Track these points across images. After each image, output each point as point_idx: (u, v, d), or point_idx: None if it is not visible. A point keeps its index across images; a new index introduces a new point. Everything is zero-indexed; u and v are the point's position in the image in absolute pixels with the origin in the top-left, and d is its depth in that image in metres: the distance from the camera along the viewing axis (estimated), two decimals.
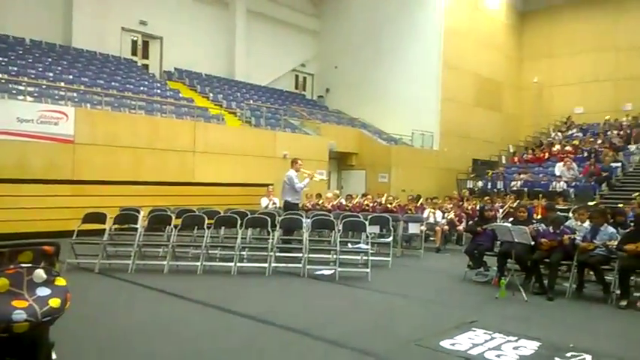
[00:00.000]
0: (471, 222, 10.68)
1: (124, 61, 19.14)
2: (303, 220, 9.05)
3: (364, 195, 15.09)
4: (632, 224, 7.58)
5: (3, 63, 14.35)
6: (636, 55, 23.26)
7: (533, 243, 7.08)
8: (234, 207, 10.78)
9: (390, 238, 9.73)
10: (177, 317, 5.59)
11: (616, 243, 6.74)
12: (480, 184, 19.54)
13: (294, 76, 26.66)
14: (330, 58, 26.03)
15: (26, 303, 2.36)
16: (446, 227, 11.98)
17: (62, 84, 14.29)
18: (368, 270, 7.87)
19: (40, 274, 2.49)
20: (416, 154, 21.40)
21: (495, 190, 18.31)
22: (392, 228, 9.91)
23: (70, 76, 15.27)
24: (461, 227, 12.28)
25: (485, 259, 8.22)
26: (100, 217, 8.54)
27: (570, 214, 8.72)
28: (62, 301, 2.51)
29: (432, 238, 11.84)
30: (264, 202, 13.00)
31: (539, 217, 10.44)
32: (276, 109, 19.84)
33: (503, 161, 22.44)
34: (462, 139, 23.23)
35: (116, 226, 8.85)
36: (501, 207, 13.29)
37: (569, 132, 23.35)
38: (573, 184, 16.94)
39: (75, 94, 13.90)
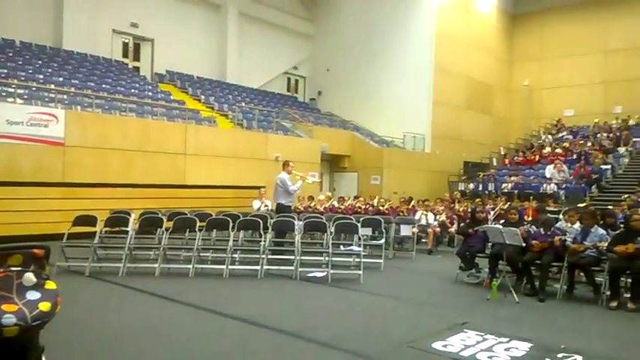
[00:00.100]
0: (462, 224, 10.72)
1: (115, 63, 19.04)
2: (296, 222, 9.04)
3: (356, 197, 15.12)
4: (621, 226, 7.65)
5: None
6: (626, 58, 23.50)
7: (524, 245, 7.13)
8: (226, 209, 10.76)
9: (382, 240, 9.75)
10: (169, 320, 5.56)
11: (606, 244, 6.79)
12: (471, 186, 19.64)
13: (286, 78, 26.66)
14: (322, 61, 26.07)
15: (16, 307, 2.33)
16: (438, 229, 12.01)
17: (52, 86, 14.18)
18: (360, 272, 7.87)
19: (29, 277, 2.47)
20: (408, 157, 21.47)
21: (486, 192, 18.40)
22: (384, 230, 9.94)
23: (61, 79, 15.16)
24: (452, 229, 12.32)
25: (477, 261, 8.25)
26: (90, 220, 8.46)
27: (561, 216, 8.79)
28: (52, 305, 2.49)
29: (424, 240, 11.87)
30: (256, 204, 12.96)
31: (529, 218, 10.51)
32: (268, 112, 19.82)
33: (495, 163, 22.57)
34: (453, 141, 23.34)
35: (107, 228, 8.78)
36: (492, 209, 13.36)
37: (560, 134, 23.52)
38: (564, 186, 17.06)
39: (65, 97, 13.80)
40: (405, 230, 10.92)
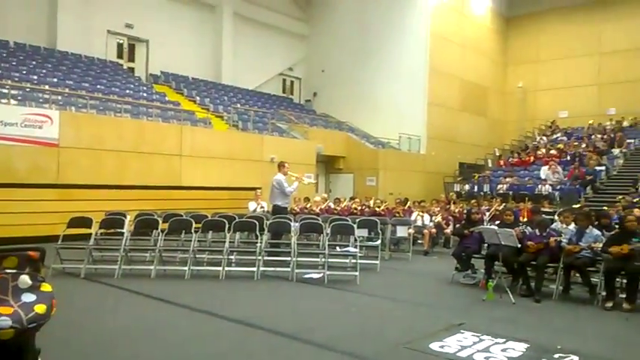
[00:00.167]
0: (458, 225, 10.75)
1: (110, 64, 18.98)
2: (292, 223, 9.04)
3: (352, 198, 15.13)
4: (616, 227, 7.68)
5: None
6: (620, 60, 23.65)
7: (519, 245, 7.15)
8: (222, 211, 10.72)
9: (379, 242, 9.77)
10: (165, 322, 5.53)
11: (601, 245, 6.82)
12: (466, 187, 19.70)
13: (282, 79, 26.66)
14: (317, 62, 26.09)
15: (11, 309, 2.32)
16: (433, 230, 12.03)
17: (47, 87, 14.12)
18: (356, 273, 7.87)
19: (25, 280, 2.45)
20: (403, 158, 21.50)
21: (482, 193, 18.47)
22: (380, 231, 9.95)
23: (55, 79, 15.10)
24: (448, 230, 12.35)
25: (473, 262, 8.27)
26: (85, 222, 8.42)
27: (556, 217, 8.81)
28: (48, 307, 2.48)
29: (419, 241, 11.88)
30: (252, 205, 12.95)
31: (525, 219, 10.54)
32: (263, 113, 19.80)
33: (490, 165, 22.66)
34: (448, 142, 23.41)
35: (102, 230, 8.74)
36: (488, 210, 13.39)
37: (554, 136, 23.63)
38: (558, 187, 17.13)
39: (59, 98, 13.74)
40: (401, 231, 10.93)
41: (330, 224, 8.99)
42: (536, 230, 7.47)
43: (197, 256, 8.49)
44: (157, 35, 20.56)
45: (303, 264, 8.43)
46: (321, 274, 7.94)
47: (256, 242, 8.39)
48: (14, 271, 2.48)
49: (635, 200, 14.20)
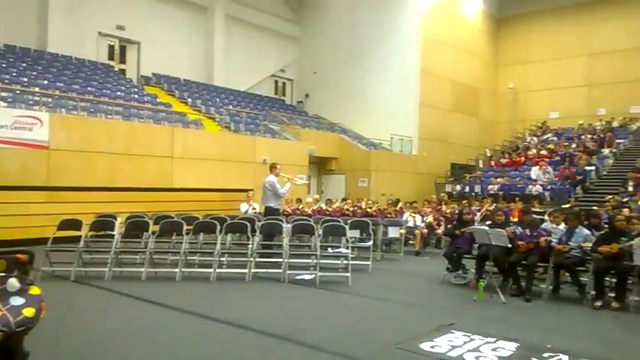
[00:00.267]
0: (449, 225, 10.79)
1: (101, 66, 18.89)
2: (284, 225, 9.03)
3: (344, 199, 15.14)
4: (606, 226, 7.75)
5: None
6: (609, 61, 23.88)
7: (510, 245, 7.19)
8: (214, 212, 10.70)
9: (370, 242, 9.79)
10: (155, 324, 5.52)
11: (591, 245, 6.88)
12: (458, 187, 19.79)
13: (274, 81, 26.65)
14: (309, 64, 26.11)
15: None
16: (425, 231, 12.08)
17: (37, 89, 14.02)
18: (348, 274, 7.88)
19: (13, 283, 2.44)
20: (395, 159, 21.55)
21: (473, 193, 18.56)
22: (372, 232, 9.98)
23: (45, 81, 15.01)
24: (440, 231, 12.40)
25: (464, 262, 8.31)
26: (75, 224, 8.38)
27: (546, 217, 8.88)
28: (37, 311, 2.47)
29: (411, 242, 11.92)
30: (243, 207, 12.93)
31: (515, 219, 10.60)
32: (255, 115, 19.78)
33: (481, 165, 22.76)
34: (440, 143, 23.51)
35: (92, 232, 8.69)
36: (479, 210, 13.45)
37: (545, 136, 23.80)
38: (549, 187, 17.25)
39: (50, 100, 13.65)
40: (393, 232, 10.95)
41: (322, 225, 9.00)
42: (527, 230, 7.52)
43: (188, 258, 8.46)
44: (149, 37, 20.49)
45: (295, 265, 8.44)
46: (313, 276, 7.94)
47: (248, 244, 8.37)
48: (2, 274, 2.47)
49: (624, 200, 14.33)
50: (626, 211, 10.27)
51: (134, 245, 9.12)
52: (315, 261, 8.03)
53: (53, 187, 11.97)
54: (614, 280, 6.77)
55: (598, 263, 6.66)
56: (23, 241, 9.72)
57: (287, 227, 8.94)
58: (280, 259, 8.16)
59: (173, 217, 9.33)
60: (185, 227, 8.53)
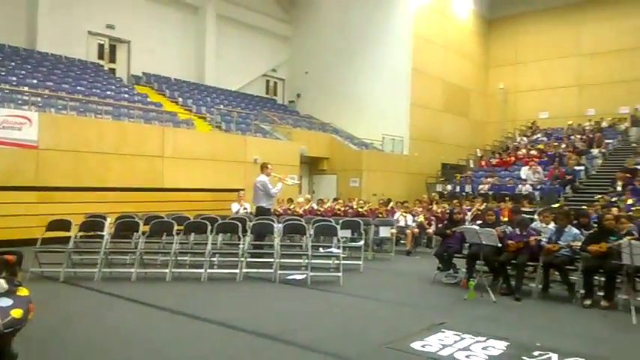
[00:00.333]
0: (440, 225, 10.83)
1: (91, 65, 18.75)
2: (275, 225, 9.02)
3: (336, 199, 15.15)
4: (595, 225, 7.82)
5: None
6: (598, 62, 24.10)
7: (500, 245, 7.24)
8: (205, 213, 10.66)
9: (362, 242, 9.80)
10: (146, 325, 5.49)
11: (580, 244, 6.93)
12: (449, 187, 19.87)
13: (265, 81, 26.62)
14: (300, 64, 26.10)
15: None
16: (416, 230, 12.11)
17: (26, 88, 13.89)
18: (340, 274, 7.88)
19: (1, 284, 2.42)
20: (386, 159, 21.60)
21: (464, 193, 18.64)
22: (363, 232, 9.98)
23: (34, 81, 14.87)
24: (430, 230, 12.44)
25: (455, 262, 8.35)
26: (65, 225, 8.31)
27: (536, 216, 8.95)
28: (25, 312, 2.45)
29: (402, 242, 11.94)
30: (234, 207, 12.89)
31: (505, 219, 10.66)
32: (246, 114, 19.74)
33: (472, 165, 22.86)
34: (431, 143, 23.59)
35: (82, 233, 8.62)
36: (469, 210, 13.51)
37: (534, 136, 23.96)
38: (538, 187, 17.37)
39: (39, 99, 13.54)
40: (384, 232, 10.98)
41: (313, 225, 9.01)
42: (517, 229, 7.57)
43: (179, 258, 8.43)
44: (139, 36, 20.38)
45: (286, 265, 8.44)
46: (305, 275, 7.94)
47: (239, 244, 8.34)
48: None
49: (613, 199, 14.46)
50: (614, 210, 10.38)
51: (124, 246, 9.06)
52: (306, 261, 8.03)
53: (42, 187, 11.88)
54: (602, 278, 6.84)
55: (587, 262, 6.72)
56: (12, 241, 9.61)
57: (278, 227, 8.94)
58: (271, 259, 8.16)
59: (163, 218, 9.29)
60: (176, 227, 8.50)
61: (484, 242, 7.12)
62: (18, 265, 2.61)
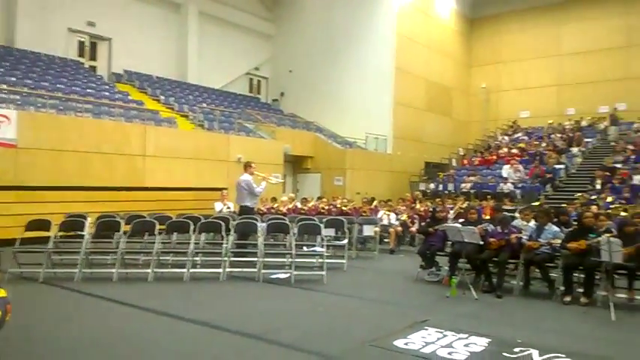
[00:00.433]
0: (423, 223, 10.89)
1: (71, 63, 18.48)
2: (258, 224, 8.99)
3: (319, 198, 15.15)
4: (574, 223, 7.94)
5: None
6: (578, 62, 24.46)
7: (482, 243, 7.31)
8: (187, 212, 10.57)
9: (346, 241, 9.81)
10: (127, 326, 5.42)
11: (560, 241, 7.04)
12: (431, 186, 20.01)
13: (249, 79, 26.50)
14: (284, 62, 26.05)
15: None
16: (399, 229, 12.17)
17: (4, 86, 13.63)
18: (323, 273, 7.89)
19: None
20: (370, 158, 21.67)
21: (446, 191, 18.79)
22: (347, 230, 10.00)
23: (13, 78, 14.59)
24: (414, 229, 12.51)
25: (437, 259, 8.41)
26: (44, 224, 8.19)
27: (517, 214, 9.05)
28: (2, 313, 2.40)
29: (386, 240, 11.99)
30: (218, 206, 12.82)
31: (487, 217, 10.76)
32: (229, 113, 19.63)
33: (454, 164, 23.05)
34: (414, 142, 23.74)
35: (62, 233, 8.50)
36: (452, 208, 13.62)
37: (516, 135, 24.23)
38: (520, 185, 17.59)
39: (18, 97, 13.29)
40: (368, 230, 11.02)
41: (297, 224, 8.99)
42: (498, 227, 7.65)
43: (161, 258, 8.36)
44: (120, 33, 20.14)
45: (270, 264, 8.42)
46: (288, 274, 7.92)
47: (222, 243, 8.30)
48: None
49: (592, 197, 14.72)
50: (594, 208, 10.56)
51: (105, 246, 8.94)
52: (290, 260, 8.02)
53: (21, 186, 11.66)
54: (582, 275, 6.94)
55: (567, 259, 6.82)
56: None
57: (262, 226, 8.90)
58: (255, 259, 8.12)
59: (145, 217, 9.19)
60: (158, 227, 8.40)
61: (466, 240, 7.18)
62: None
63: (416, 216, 12.95)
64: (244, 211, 10.16)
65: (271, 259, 8.55)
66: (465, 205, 12.76)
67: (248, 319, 5.71)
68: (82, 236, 8.14)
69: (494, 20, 27.16)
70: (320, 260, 8.48)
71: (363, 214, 12.46)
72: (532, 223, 7.84)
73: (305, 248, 9.44)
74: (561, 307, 6.57)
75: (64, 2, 18.41)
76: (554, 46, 25.27)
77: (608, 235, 6.49)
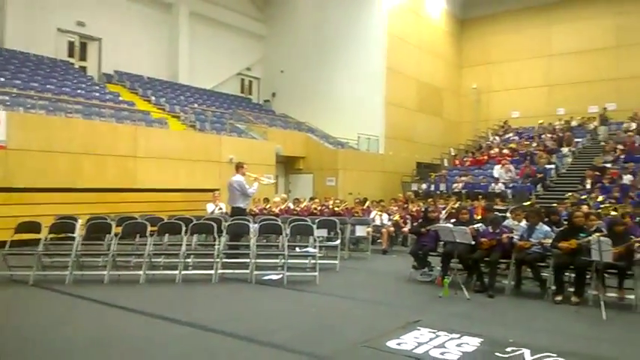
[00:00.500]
0: (415, 223, 10.92)
1: (61, 63, 18.34)
2: (251, 225, 8.96)
3: (312, 199, 15.14)
4: (565, 223, 7.98)
5: None
6: (568, 62, 24.66)
7: (473, 243, 7.33)
8: (179, 213, 10.52)
9: (338, 241, 9.80)
10: (119, 329, 5.38)
11: (550, 241, 7.07)
12: (423, 186, 20.06)
13: (240, 79, 26.45)
14: (276, 62, 26.01)
15: None
16: (392, 229, 12.18)
17: None
18: (316, 274, 7.88)
19: None
20: (362, 158, 21.69)
21: (438, 192, 18.84)
22: (339, 231, 9.99)
23: (2, 79, 14.45)
24: (406, 229, 12.52)
25: (430, 260, 8.43)
26: (34, 227, 8.12)
27: (508, 214, 9.09)
28: None
29: (379, 241, 12.00)
30: (210, 207, 12.77)
31: (479, 217, 10.81)
32: (221, 113, 19.58)
33: (446, 164, 23.14)
34: (406, 142, 23.80)
35: (52, 235, 8.41)
36: (444, 208, 13.67)
37: (506, 135, 24.38)
38: (511, 185, 17.68)
39: (7, 98, 13.17)
40: (360, 231, 11.02)
41: (289, 225, 8.98)
42: (490, 227, 7.68)
43: (152, 260, 8.30)
44: (111, 34, 20.03)
45: (263, 265, 8.40)
46: (281, 276, 7.91)
47: (214, 244, 8.26)
48: None
49: (582, 197, 14.82)
50: (584, 207, 10.63)
51: (96, 248, 8.87)
52: (282, 261, 8.00)
53: (10, 188, 11.55)
54: (573, 275, 6.98)
55: (558, 259, 6.86)
56: None
57: (254, 227, 8.87)
58: (247, 260, 8.09)
59: (136, 219, 9.13)
60: (149, 228, 8.35)
61: (458, 240, 7.20)
62: None
63: (408, 216, 12.97)
64: (236, 212, 10.12)
65: (264, 260, 8.53)
66: (456, 206, 12.80)
67: (240, 320, 5.69)
68: (72, 238, 8.07)
69: (485, 21, 27.30)
70: (312, 261, 8.46)
71: (356, 214, 12.47)
72: (523, 222, 7.88)
73: (297, 249, 9.43)
74: (553, 306, 6.61)
75: (53, 2, 18.28)
76: (544, 46, 25.46)
77: (598, 234, 6.53)
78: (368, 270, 9.56)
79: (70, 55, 19.58)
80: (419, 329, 5.24)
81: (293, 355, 4.56)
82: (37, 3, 17.74)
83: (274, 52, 26.17)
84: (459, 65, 28.12)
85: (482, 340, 4.92)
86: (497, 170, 18.78)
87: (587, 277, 6.71)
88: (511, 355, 4.54)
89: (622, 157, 18.12)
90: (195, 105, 19.81)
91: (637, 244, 6.54)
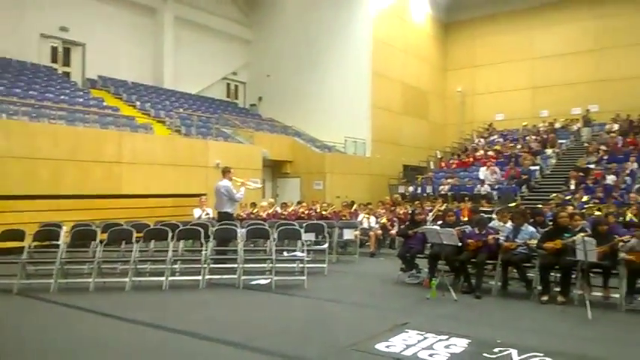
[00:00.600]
0: (402, 226, 10.96)
1: (44, 69, 18.15)
2: (238, 229, 8.92)
3: (299, 203, 15.11)
4: (550, 223, 8.07)
5: None
6: (551, 64, 24.97)
7: (460, 244, 7.37)
8: (166, 219, 10.45)
9: (326, 245, 9.79)
10: (105, 337, 5.31)
11: (536, 242, 7.14)
12: (410, 189, 20.12)
13: (226, 84, 26.38)
14: (262, 67, 25.99)
15: None
16: (379, 232, 12.20)
17: None
18: (304, 277, 7.87)
19: None
20: (349, 161, 21.73)
21: (425, 194, 18.92)
22: (327, 234, 9.98)
23: None
24: (393, 231, 12.55)
25: (417, 262, 8.46)
26: (18, 234, 8.01)
27: (494, 216, 9.16)
28: None
29: (367, 244, 12.02)
30: (196, 212, 12.65)
31: (465, 219, 10.88)
32: (207, 118, 19.49)
33: (432, 167, 23.26)
34: (392, 145, 23.91)
35: (36, 243, 8.30)
36: (431, 210, 13.73)
37: (491, 138, 24.57)
38: (496, 187, 17.82)
39: None
40: (348, 234, 11.03)
41: (277, 229, 8.96)
42: (476, 229, 7.73)
43: (138, 266, 8.22)
44: (94, 39, 19.87)
45: (251, 270, 8.37)
46: (269, 280, 7.88)
47: (201, 250, 8.21)
48: None
49: (567, 198, 15.00)
50: (569, 208, 10.74)
51: (81, 255, 8.75)
52: (270, 265, 7.98)
53: None
54: (558, 275, 7.05)
55: (543, 259, 6.93)
56: None
57: (241, 232, 8.84)
58: (235, 265, 8.05)
59: (122, 225, 9.05)
60: (135, 235, 8.29)
61: (445, 242, 7.24)
62: None
63: (395, 219, 13.01)
64: (224, 217, 10.07)
65: (251, 265, 8.50)
66: (443, 208, 12.86)
67: (229, 326, 5.66)
68: (57, 246, 7.97)
69: (469, 24, 27.56)
70: (300, 265, 8.45)
71: (343, 217, 12.48)
72: (509, 224, 7.94)
73: (285, 253, 9.42)
74: (539, 306, 6.67)
75: (36, 7, 18.08)
76: (527, 49, 25.76)
77: (582, 234, 6.61)
78: (356, 273, 9.57)
79: (54, 60, 19.38)
80: (407, 331, 5.25)
81: (282, 359, 4.54)
82: (19, 8, 17.54)
83: (260, 57, 26.14)
84: (443, 68, 28.34)
85: (469, 341, 4.95)
86: (482, 172, 18.91)
87: (573, 276, 6.77)
88: (499, 355, 4.57)
89: (605, 157, 18.37)
90: (181, 110, 19.70)
91: (621, 244, 6.63)
